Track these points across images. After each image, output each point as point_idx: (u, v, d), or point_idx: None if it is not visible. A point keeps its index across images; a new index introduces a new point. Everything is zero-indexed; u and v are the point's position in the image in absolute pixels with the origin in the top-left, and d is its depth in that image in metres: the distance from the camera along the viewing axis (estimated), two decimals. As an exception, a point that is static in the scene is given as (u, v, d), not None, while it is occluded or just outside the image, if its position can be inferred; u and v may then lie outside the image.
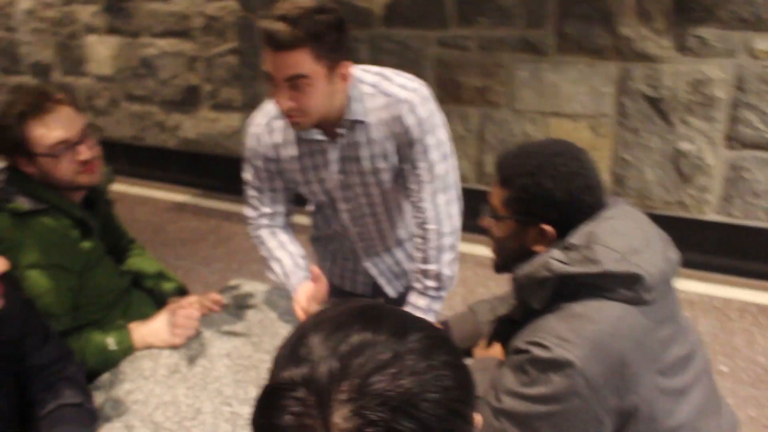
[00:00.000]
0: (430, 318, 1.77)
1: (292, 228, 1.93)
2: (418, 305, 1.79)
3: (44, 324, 1.52)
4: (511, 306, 1.42)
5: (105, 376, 1.67)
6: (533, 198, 1.29)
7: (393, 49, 4.17)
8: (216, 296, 1.93)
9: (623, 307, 1.22)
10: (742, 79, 3.38)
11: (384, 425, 0.61)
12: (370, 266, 1.99)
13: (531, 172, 1.29)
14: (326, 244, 2.06)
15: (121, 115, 5.57)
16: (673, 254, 1.32)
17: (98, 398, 1.58)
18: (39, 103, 1.62)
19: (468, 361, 1.65)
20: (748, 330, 3.19)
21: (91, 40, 5.43)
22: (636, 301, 1.22)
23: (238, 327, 1.85)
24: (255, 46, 4.71)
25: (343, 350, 0.65)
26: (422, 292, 1.79)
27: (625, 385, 1.19)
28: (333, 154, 1.72)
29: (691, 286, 3.53)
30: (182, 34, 4.97)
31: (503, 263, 1.42)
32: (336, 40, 1.48)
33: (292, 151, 1.75)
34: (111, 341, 1.72)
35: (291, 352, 0.69)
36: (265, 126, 1.76)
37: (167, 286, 2.02)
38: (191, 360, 1.71)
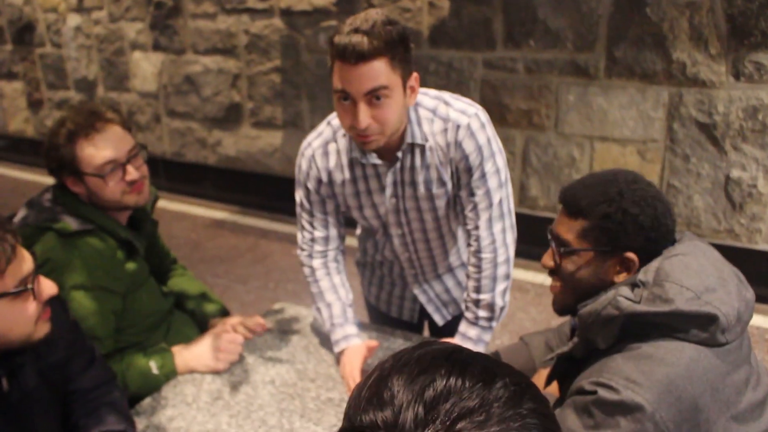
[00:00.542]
0: (480, 349, 1.71)
1: (344, 254, 1.89)
2: (469, 335, 1.73)
3: (90, 347, 1.49)
4: (570, 342, 1.34)
5: (146, 401, 1.63)
6: (619, 225, 1.23)
7: (439, 71, 4.14)
8: (260, 320, 1.88)
9: (697, 349, 1.14)
10: (800, 106, 3.27)
11: None
12: (419, 293, 1.93)
13: (612, 198, 1.23)
14: (373, 270, 2.02)
15: (163, 131, 5.62)
16: (749, 293, 1.24)
17: (140, 424, 1.54)
18: (89, 123, 1.61)
19: None
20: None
21: (136, 56, 5.50)
22: (710, 343, 1.15)
23: (283, 353, 1.81)
24: (298, 64, 4.71)
25: (428, 395, 0.62)
26: (473, 322, 1.73)
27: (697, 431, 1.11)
28: (389, 178, 1.67)
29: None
30: (226, 51, 5.00)
31: (573, 300, 1.33)
32: (405, 51, 1.48)
33: (346, 174, 1.71)
34: (153, 365, 1.69)
35: (372, 394, 0.64)
36: (321, 149, 1.73)
37: (210, 307, 1.99)
38: (234, 387, 1.67)
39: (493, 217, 1.66)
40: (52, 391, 1.37)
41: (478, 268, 1.70)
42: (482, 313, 1.71)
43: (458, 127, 1.60)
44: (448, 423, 0.60)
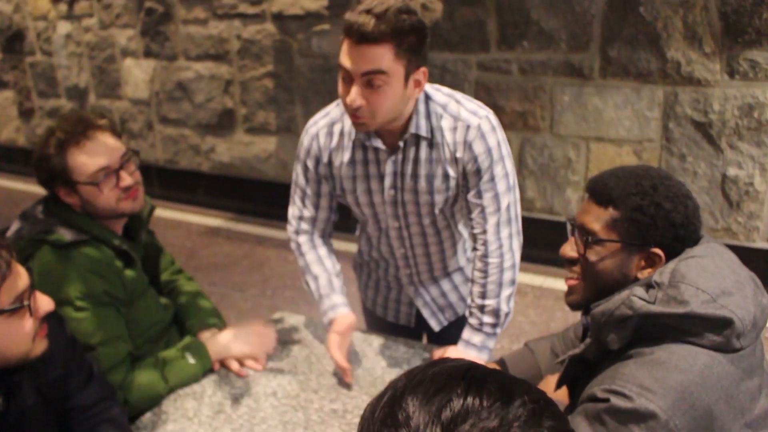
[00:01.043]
0: (484, 356, 1.69)
1: (331, 237, 1.89)
2: (473, 342, 1.71)
3: (88, 362, 1.46)
4: (582, 343, 1.31)
5: (147, 417, 1.60)
6: (650, 220, 1.20)
7: (433, 73, 4.12)
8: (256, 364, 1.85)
9: (711, 355, 1.12)
10: (796, 103, 3.27)
11: None
12: (415, 296, 1.91)
13: (646, 192, 1.20)
14: (369, 272, 2.00)
15: (156, 138, 5.58)
16: (765, 299, 1.21)
17: (141, 439, 1.52)
18: (78, 131, 1.58)
19: None
20: None
21: (128, 63, 5.47)
22: (725, 348, 1.12)
23: (284, 364, 1.79)
24: (291, 69, 4.69)
25: (445, 416, 0.60)
26: (477, 329, 1.71)
27: None
28: (389, 167, 1.66)
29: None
30: (219, 57, 4.97)
31: (591, 295, 1.29)
32: (417, 43, 1.47)
33: (346, 156, 1.70)
34: (189, 355, 1.72)
35: (386, 416, 0.62)
36: (326, 128, 1.73)
37: (210, 321, 1.94)
38: (236, 399, 1.64)
39: (501, 222, 1.64)
40: (50, 408, 1.34)
41: (485, 273, 1.67)
42: (487, 319, 1.69)
43: (468, 127, 1.59)
44: None
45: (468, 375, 0.64)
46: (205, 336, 1.84)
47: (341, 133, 1.70)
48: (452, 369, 0.65)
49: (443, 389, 0.62)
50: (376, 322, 2.06)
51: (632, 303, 1.15)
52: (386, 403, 0.64)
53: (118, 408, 1.48)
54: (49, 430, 1.34)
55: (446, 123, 1.61)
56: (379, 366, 1.75)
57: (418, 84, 1.54)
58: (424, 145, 1.62)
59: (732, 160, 3.49)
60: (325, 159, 1.73)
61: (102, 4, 5.39)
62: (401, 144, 1.62)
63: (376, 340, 1.87)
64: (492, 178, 1.62)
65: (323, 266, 1.82)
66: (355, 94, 1.47)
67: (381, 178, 1.69)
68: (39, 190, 1.64)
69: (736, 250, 3.88)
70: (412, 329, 2.00)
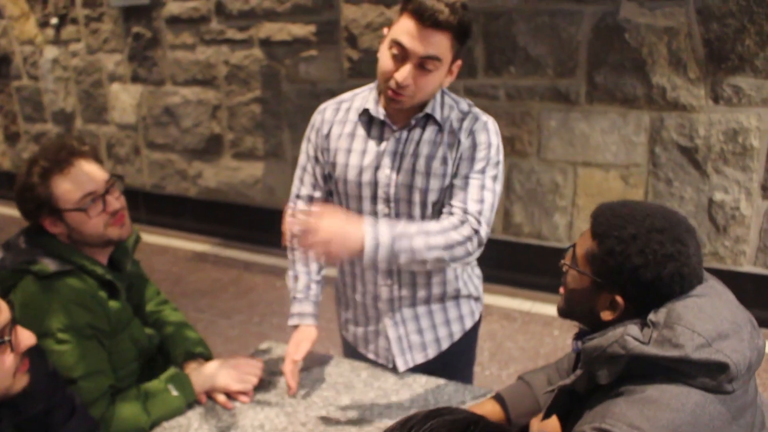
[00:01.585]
0: (369, 241, 1.49)
1: None
2: (376, 224, 1.53)
3: (70, 396, 1.43)
4: (573, 375, 1.29)
5: (131, 451, 1.57)
6: (616, 268, 1.17)
7: (418, 98, 4.13)
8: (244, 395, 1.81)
9: (703, 394, 1.09)
10: (780, 128, 3.30)
11: None
12: (390, 325, 1.84)
13: (623, 239, 1.17)
14: (347, 300, 1.93)
15: (143, 163, 5.56)
16: (761, 341, 1.19)
17: (124, 475, 1.48)
18: (62, 159, 1.56)
19: None
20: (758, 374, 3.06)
21: (115, 88, 5.45)
22: (716, 390, 1.10)
23: (271, 395, 1.75)
24: (279, 94, 4.69)
25: None
26: (391, 224, 1.57)
27: None
28: (391, 145, 1.68)
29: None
30: (206, 82, 4.97)
31: (569, 313, 1.31)
32: (465, 36, 1.56)
33: (346, 129, 1.74)
34: (171, 387, 1.68)
35: None
36: (334, 105, 1.80)
37: (197, 350, 1.91)
38: (222, 433, 1.61)
39: (477, 213, 1.63)
40: (31, 446, 1.31)
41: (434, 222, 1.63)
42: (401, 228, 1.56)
43: (476, 119, 1.67)
44: None
45: (467, 430, 0.61)
46: (191, 367, 1.81)
47: (347, 110, 1.76)
48: (451, 423, 0.61)
49: None
50: (357, 357, 2.01)
51: (626, 343, 1.12)
52: None
53: (101, 443, 1.44)
54: (29, 468, 1.31)
55: (455, 115, 1.68)
56: (367, 397, 1.72)
57: (452, 73, 1.62)
58: (431, 128, 1.67)
59: (718, 185, 3.52)
60: (325, 130, 1.77)
61: (89, 29, 5.39)
62: (413, 122, 1.66)
63: (365, 371, 1.85)
64: (483, 170, 1.65)
65: (307, 267, 1.84)
66: (407, 73, 1.52)
67: (378, 155, 1.69)
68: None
69: (723, 274, 3.90)
70: (389, 368, 1.94)
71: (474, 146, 1.65)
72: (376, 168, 1.70)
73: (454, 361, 1.92)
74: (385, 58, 1.56)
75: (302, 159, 1.85)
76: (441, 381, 1.78)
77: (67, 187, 1.55)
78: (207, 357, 1.89)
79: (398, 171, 1.68)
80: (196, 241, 5.33)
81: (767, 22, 3.18)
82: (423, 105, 1.66)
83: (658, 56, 3.45)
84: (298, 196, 1.86)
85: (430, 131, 1.67)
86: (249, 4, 4.59)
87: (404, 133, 1.68)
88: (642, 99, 3.55)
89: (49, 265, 1.56)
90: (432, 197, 1.68)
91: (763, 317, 3.47)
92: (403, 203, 1.70)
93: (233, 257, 4.98)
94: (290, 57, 4.56)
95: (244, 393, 1.74)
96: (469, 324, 1.92)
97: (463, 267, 1.87)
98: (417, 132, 1.68)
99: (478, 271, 1.97)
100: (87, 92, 5.64)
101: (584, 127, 3.74)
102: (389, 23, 3.94)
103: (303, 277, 1.83)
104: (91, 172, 1.59)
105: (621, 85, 3.58)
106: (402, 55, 1.52)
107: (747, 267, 3.58)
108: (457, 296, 1.88)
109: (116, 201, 1.62)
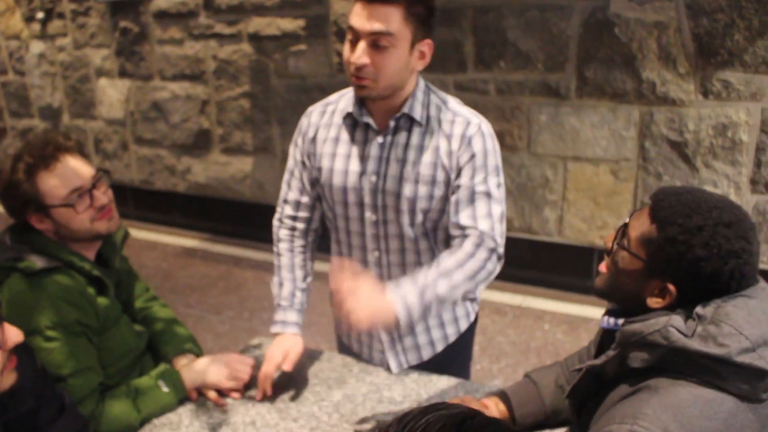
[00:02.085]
0: (400, 309, 1.51)
1: (317, 234, 1.87)
2: (400, 288, 1.55)
3: (59, 394, 1.41)
4: (604, 355, 1.21)
5: (121, 448, 1.55)
6: (676, 257, 1.12)
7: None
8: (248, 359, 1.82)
9: (735, 402, 1.05)
10: (768, 122, 3.31)
11: None
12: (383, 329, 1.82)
13: (688, 229, 1.11)
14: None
15: (131, 158, 5.52)
16: None
17: (114, 473, 1.47)
18: (48, 154, 1.54)
19: None
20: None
21: (102, 83, 5.41)
22: (749, 397, 1.06)
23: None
24: (268, 89, 4.67)
25: None
26: (413, 283, 1.56)
27: None
28: (374, 149, 1.64)
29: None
30: (194, 77, 4.94)
31: (611, 293, 1.26)
32: (426, 13, 1.50)
33: (331, 133, 1.70)
34: (162, 383, 1.67)
35: None
36: (321, 107, 1.77)
37: (186, 347, 1.90)
38: (214, 429, 1.60)
39: (488, 231, 1.59)
40: (19, 444, 1.29)
41: (447, 255, 1.59)
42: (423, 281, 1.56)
43: (469, 123, 1.59)
44: None
45: (463, 427, 0.60)
46: (181, 363, 1.80)
47: (333, 112, 1.72)
48: (447, 419, 0.60)
49: None
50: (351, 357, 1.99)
51: (669, 334, 1.08)
52: None
53: (91, 441, 1.43)
54: (18, 467, 1.29)
55: (444, 115, 1.61)
56: (360, 393, 1.72)
57: (423, 56, 1.56)
58: (417, 132, 1.61)
59: (707, 179, 3.53)
60: (311, 134, 1.74)
61: (76, 23, 5.34)
62: (392, 123, 1.61)
63: (357, 366, 1.84)
64: (485, 180, 1.58)
65: (293, 274, 1.81)
66: (360, 52, 1.48)
67: (364, 160, 1.65)
68: (10, 212, 1.60)
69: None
70: (384, 370, 1.93)
71: (473, 155, 1.57)
72: (361, 173, 1.66)
73: (449, 363, 1.89)
74: (345, 48, 1.54)
75: (290, 163, 1.81)
76: (433, 376, 1.77)
77: (53, 184, 1.53)
78: (197, 354, 1.87)
79: (384, 177, 1.64)
80: (185, 236, 5.30)
81: (756, 16, 3.19)
82: (402, 104, 1.60)
83: (647, 51, 3.45)
84: (285, 201, 1.83)
85: (416, 135, 1.61)
86: (238, -1, 4.56)
87: (389, 137, 1.63)
88: (632, 94, 3.56)
89: (36, 261, 1.54)
90: (421, 204, 1.64)
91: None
92: (391, 210, 1.66)
93: (223, 253, 4.96)
94: (279, 52, 4.53)
95: (235, 389, 1.73)
96: (464, 326, 1.89)
97: None
98: (403, 136, 1.62)
99: None
100: (74, 87, 5.59)
101: (574, 121, 3.74)
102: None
103: (288, 285, 1.80)
104: (77, 168, 1.57)
105: (611, 80, 3.58)
106: (355, 38, 1.49)
107: (736, 261, 3.60)
108: None
109: (103, 195, 1.61)
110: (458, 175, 1.59)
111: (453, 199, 1.61)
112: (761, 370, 1.04)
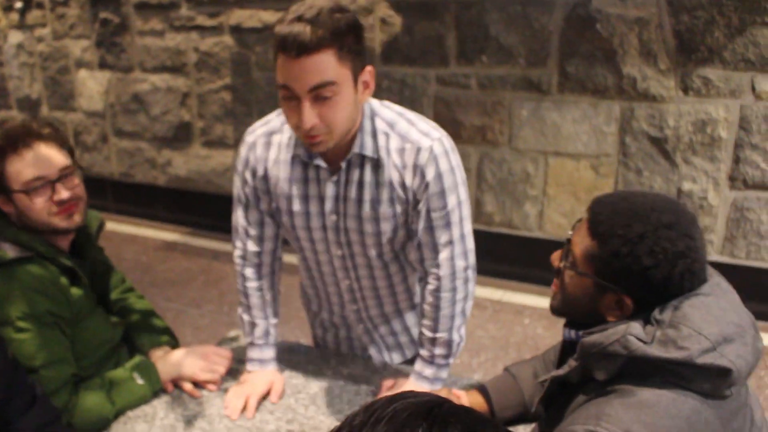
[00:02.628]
0: (437, 386, 1.62)
1: (281, 261, 1.76)
2: (425, 374, 1.63)
3: (30, 386, 1.39)
4: (566, 365, 1.21)
5: (95, 440, 1.54)
6: (624, 270, 1.10)
7: (392, 87, 4.12)
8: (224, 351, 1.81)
9: (699, 400, 1.05)
10: (747, 119, 3.34)
11: None
12: (363, 333, 1.81)
13: (631, 239, 1.09)
14: (315, 312, 1.89)
15: (111, 151, 5.46)
16: (760, 344, 1.13)
17: (87, 465, 1.45)
18: (20, 138, 1.53)
19: None
20: (757, 374, 3.10)
21: (82, 74, 5.35)
22: (713, 395, 1.06)
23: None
24: (249, 82, 4.64)
25: None
26: (430, 361, 1.63)
27: None
28: (330, 190, 1.53)
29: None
30: (175, 69, 4.89)
31: (566, 311, 1.25)
32: (356, 41, 1.34)
33: (283, 172, 1.56)
34: (136, 375, 1.65)
35: None
36: (264, 137, 1.59)
37: (162, 339, 1.88)
38: (189, 421, 1.58)
39: (455, 255, 1.54)
40: (-11, 436, 1.27)
41: (436, 307, 1.58)
42: (439, 350, 1.61)
43: (419, 149, 1.46)
44: None
45: (432, 414, 0.59)
46: (157, 355, 1.78)
47: (279, 145, 1.56)
48: (414, 406, 0.59)
49: (403, 429, 0.57)
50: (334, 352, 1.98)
51: (628, 343, 1.07)
52: None
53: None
54: (-13, 459, 1.28)
55: (394, 143, 1.48)
56: (337, 385, 1.71)
57: (367, 85, 1.42)
58: (369, 167, 1.50)
59: (687, 175, 3.55)
60: (261, 172, 1.59)
61: (55, 14, 5.28)
62: (343, 165, 1.50)
63: (334, 358, 1.83)
64: (444, 207, 1.50)
65: (265, 313, 1.73)
66: (308, 115, 1.33)
67: (321, 200, 1.55)
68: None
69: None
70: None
71: (425, 185, 1.48)
72: (321, 214, 1.58)
73: None
74: (283, 107, 1.39)
75: (241, 196, 1.65)
76: (411, 368, 1.77)
77: (17, 167, 1.52)
78: (174, 345, 1.86)
79: (344, 216, 1.56)
80: (166, 230, 5.26)
81: (736, 14, 3.21)
82: (351, 141, 1.48)
83: (628, 47, 3.47)
84: (247, 236, 1.68)
85: (369, 171, 1.50)
86: (219, -10, 4.53)
87: (341, 176, 1.52)
88: (613, 89, 3.57)
89: (8, 251, 1.52)
90: (386, 238, 1.58)
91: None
92: (357, 245, 1.61)
93: (203, 246, 4.93)
94: (261, 44, 4.50)
95: (211, 382, 1.72)
96: None
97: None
98: (356, 173, 1.51)
99: None
100: (53, 79, 5.52)
101: (555, 116, 3.75)
102: (362, 11, 3.87)
103: (261, 324, 1.73)
104: (47, 157, 1.55)
105: (592, 75, 3.59)
106: (292, 96, 1.33)
107: (714, 256, 3.63)
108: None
109: (66, 191, 1.57)
110: (415, 205, 1.52)
111: (416, 229, 1.56)
112: (723, 368, 1.04)
